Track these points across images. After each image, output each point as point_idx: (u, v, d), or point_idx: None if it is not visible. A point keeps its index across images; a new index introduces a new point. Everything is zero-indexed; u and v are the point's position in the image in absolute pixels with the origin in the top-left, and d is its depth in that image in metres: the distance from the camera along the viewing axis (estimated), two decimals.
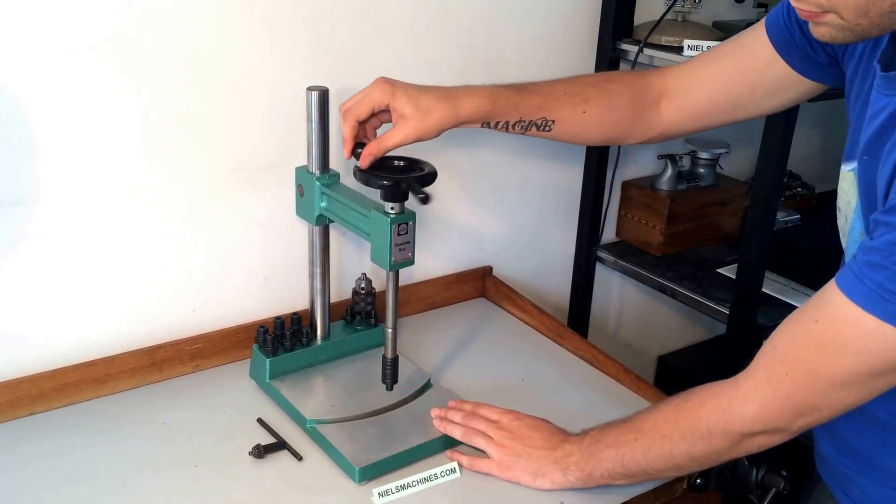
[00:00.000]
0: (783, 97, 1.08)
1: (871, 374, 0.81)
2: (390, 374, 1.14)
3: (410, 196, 1.04)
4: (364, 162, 1.07)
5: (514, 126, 1.12)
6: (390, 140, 1.06)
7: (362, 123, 1.09)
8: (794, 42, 1.01)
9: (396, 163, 1.09)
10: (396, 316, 1.11)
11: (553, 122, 1.13)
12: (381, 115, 1.09)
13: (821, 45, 0.99)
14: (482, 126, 1.12)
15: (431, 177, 1.07)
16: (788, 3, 1.01)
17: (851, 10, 0.78)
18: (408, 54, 1.35)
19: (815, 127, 2.05)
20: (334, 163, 1.22)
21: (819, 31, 0.82)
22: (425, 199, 1.03)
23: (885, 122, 0.84)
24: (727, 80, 1.10)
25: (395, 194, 1.04)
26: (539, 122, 1.13)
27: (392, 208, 1.05)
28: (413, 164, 1.09)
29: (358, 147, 1.08)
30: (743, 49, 1.08)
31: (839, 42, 0.83)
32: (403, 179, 1.05)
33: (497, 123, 1.12)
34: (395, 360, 1.14)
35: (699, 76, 1.13)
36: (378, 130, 1.12)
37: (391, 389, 1.16)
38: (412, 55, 1.35)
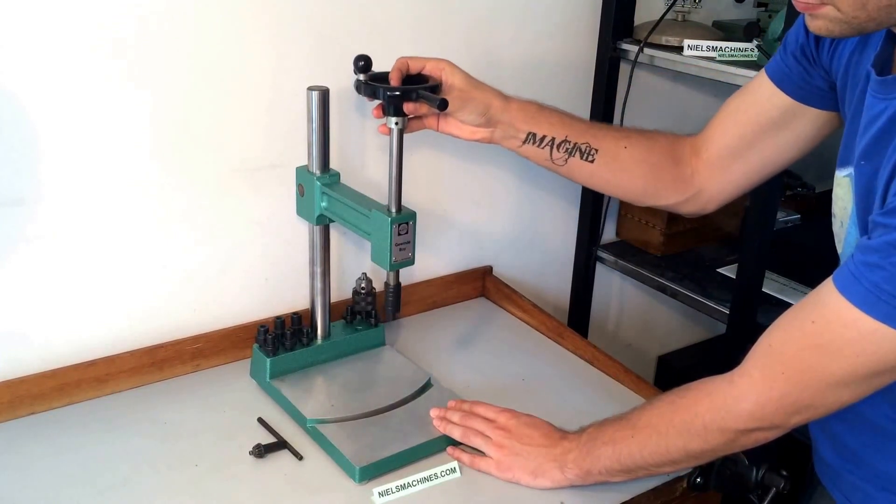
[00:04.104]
0: (796, 132, 1.06)
1: (869, 375, 0.81)
2: (392, 300, 1.14)
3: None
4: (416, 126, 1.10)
5: (559, 146, 1.13)
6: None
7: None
8: (791, 71, 1.02)
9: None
10: None
11: (596, 151, 1.13)
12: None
13: (813, 66, 0.99)
14: (526, 141, 1.13)
15: (436, 88, 1.07)
16: (785, 39, 1.02)
17: (849, 3, 0.78)
18: (408, 54, 1.34)
19: None
20: (335, 163, 1.22)
21: (815, 25, 0.82)
22: (443, 104, 1.03)
23: (883, 127, 0.83)
24: (734, 121, 1.10)
25: (399, 107, 1.04)
26: (584, 148, 1.13)
27: (396, 123, 1.05)
28: (413, 79, 1.09)
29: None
30: (745, 92, 1.10)
31: (836, 36, 0.83)
32: (413, 89, 1.04)
33: (544, 137, 1.12)
34: (398, 286, 1.13)
35: (713, 126, 1.14)
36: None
37: (393, 318, 1.15)
38: (413, 55, 1.35)
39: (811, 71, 1.00)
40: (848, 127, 0.93)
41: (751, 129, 1.08)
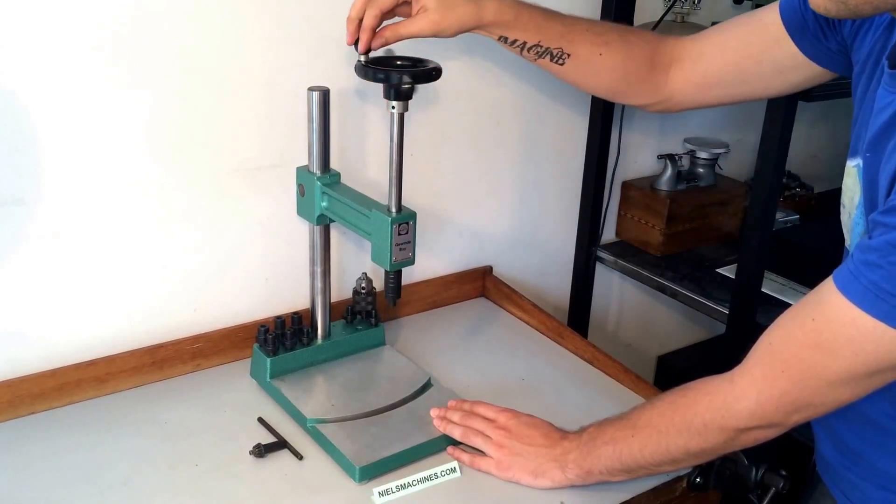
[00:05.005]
0: (790, 78, 1.07)
1: (868, 373, 0.81)
2: (393, 286, 1.14)
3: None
4: (376, 42, 1.05)
5: (529, 49, 1.11)
6: (407, 28, 1.05)
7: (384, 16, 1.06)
8: (807, 26, 1.00)
9: (399, 62, 1.08)
10: None
11: (569, 55, 1.12)
12: (401, 10, 1.08)
13: (832, 32, 0.98)
14: (499, 40, 1.11)
15: (437, 72, 1.06)
16: None
17: None
18: (408, 54, 1.34)
19: (813, 127, 2.05)
20: (335, 163, 1.22)
21: (815, 2, 0.81)
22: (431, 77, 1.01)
23: (889, 120, 0.84)
24: (735, 50, 1.09)
25: (399, 91, 1.03)
26: (555, 52, 1.11)
27: (395, 107, 1.04)
28: (416, 62, 1.08)
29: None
30: (754, 23, 1.07)
31: (832, 15, 0.82)
32: (411, 71, 1.04)
33: (515, 41, 1.10)
34: (399, 272, 1.13)
35: (709, 43, 1.13)
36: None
37: (394, 304, 1.16)
38: (412, 55, 1.35)
39: (827, 34, 0.99)
40: (860, 117, 0.92)
41: (748, 62, 1.08)
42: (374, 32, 1.06)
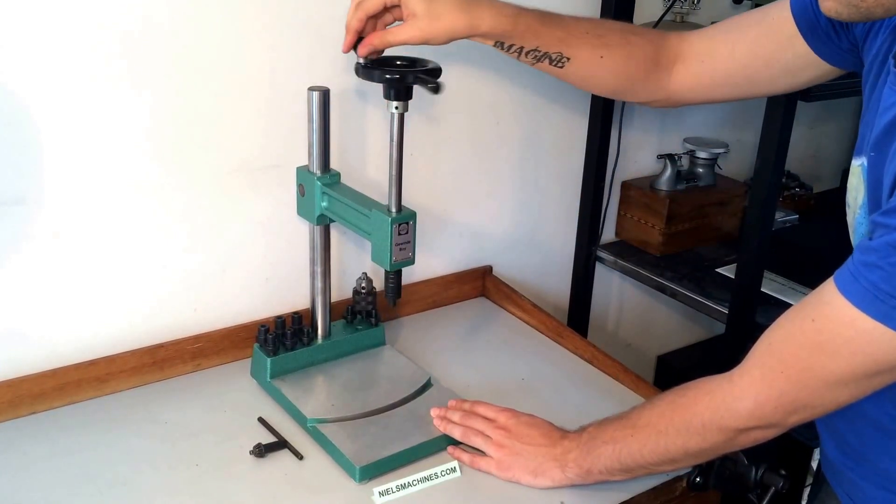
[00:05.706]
0: (799, 77, 1.06)
1: (866, 374, 0.81)
2: (393, 286, 1.14)
3: (417, 92, 1.03)
4: (362, 50, 1.04)
5: (527, 54, 1.09)
6: (395, 36, 1.03)
7: (373, 19, 1.05)
8: (819, 24, 0.99)
9: (399, 62, 1.08)
10: None
11: (568, 59, 1.10)
12: (394, 12, 1.06)
13: (844, 32, 0.98)
14: (495, 45, 1.09)
15: (436, 72, 1.05)
16: None
17: None
18: (407, 55, 1.35)
19: (813, 127, 2.05)
20: (335, 163, 1.22)
21: (826, 6, 0.81)
22: (437, 88, 1.01)
23: (893, 119, 0.84)
24: (745, 52, 1.07)
25: (399, 91, 1.03)
26: (554, 56, 1.09)
27: (396, 107, 1.04)
28: (415, 62, 1.08)
29: (359, 42, 1.05)
30: (765, 23, 1.05)
31: (844, 19, 0.82)
32: (409, 72, 1.03)
33: (511, 47, 1.08)
34: (399, 272, 1.13)
35: (717, 43, 1.11)
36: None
37: (394, 304, 1.16)
38: (412, 55, 1.35)
39: (840, 33, 0.98)
40: (866, 116, 0.92)
41: (759, 63, 1.06)
42: (357, 35, 1.05)
